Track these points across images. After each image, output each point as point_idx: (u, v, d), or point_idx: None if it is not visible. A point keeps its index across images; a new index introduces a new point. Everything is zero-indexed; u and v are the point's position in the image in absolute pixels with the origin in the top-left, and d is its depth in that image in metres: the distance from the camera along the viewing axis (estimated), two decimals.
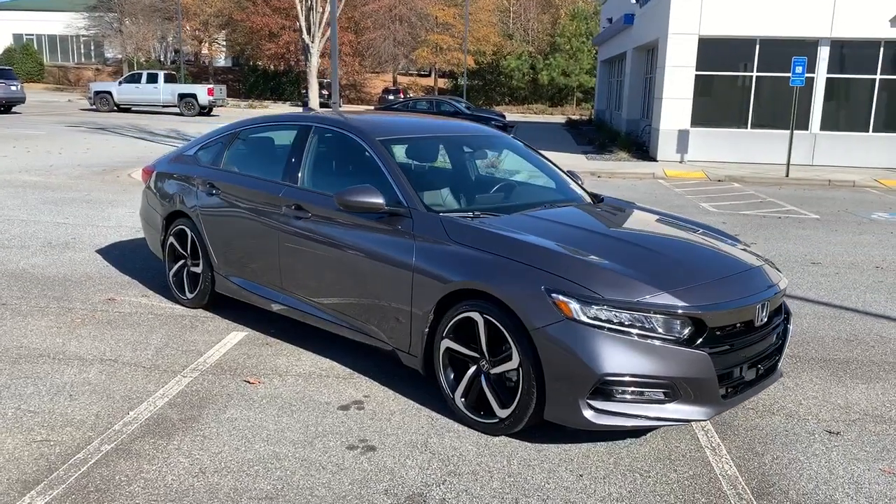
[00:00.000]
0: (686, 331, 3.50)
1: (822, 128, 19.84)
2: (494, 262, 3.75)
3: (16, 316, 5.55)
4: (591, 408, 3.47)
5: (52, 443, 3.65)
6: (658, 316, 3.46)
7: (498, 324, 3.68)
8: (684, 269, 3.78)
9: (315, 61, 16.66)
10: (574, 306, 3.46)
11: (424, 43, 54.05)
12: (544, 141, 24.98)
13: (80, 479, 3.33)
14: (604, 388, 3.44)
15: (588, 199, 5.02)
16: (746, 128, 20.11)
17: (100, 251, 7.73)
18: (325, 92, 49.68)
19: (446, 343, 3.97)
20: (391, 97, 48.57)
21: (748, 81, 20.01)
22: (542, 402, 3.60)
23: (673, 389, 3.47)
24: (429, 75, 65.85)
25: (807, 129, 19.72)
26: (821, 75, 19.48)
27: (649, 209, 5.09)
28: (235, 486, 3.30)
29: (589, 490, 3.35)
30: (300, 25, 16.18)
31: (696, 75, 19.82)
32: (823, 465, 3.66)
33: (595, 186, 12.12)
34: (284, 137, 5.38)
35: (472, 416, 3.90)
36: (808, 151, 19.54)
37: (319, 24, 16.11)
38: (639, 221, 4.72)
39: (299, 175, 4.92)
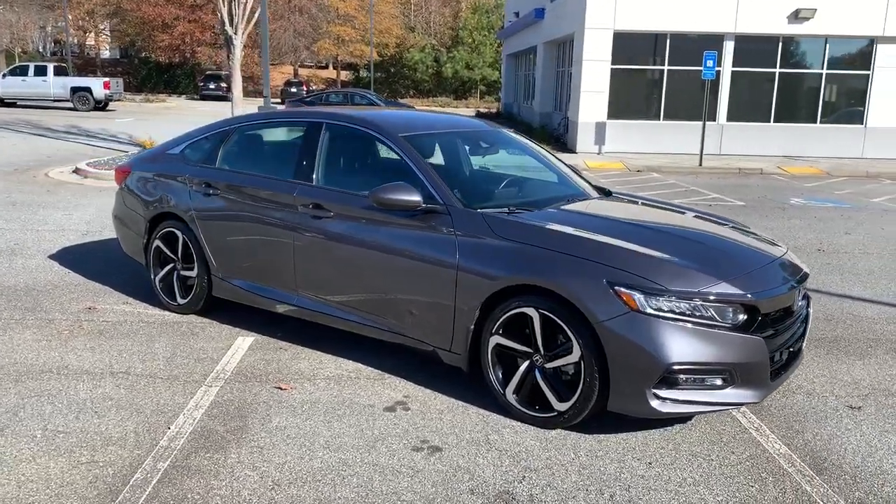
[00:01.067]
0: (741, 317, 3.65)
1: (729, 119, 20.90)
2: (552, 257, 3.78)
3: None
4: (657, 397, 3.57)
5: (100, 464, 3.43)
6: (717, 304, 3.59)
7: (557, 318, 3.72)
8: (730, 259, 3.94)
9: (239, 53, 16.14)
10: (638, 298, 3.55)
11: (326, 34, 53.25)
12: None
13: (150, 500, 3.15)
14: (669, 377, 3.55)
15: (595, 193, 5.12)
16: (659, 119, 20.93)
17: (52, 257, 7.27)
18: (223, 84, 48.28)
19: (496, 339, 3.98)
20: (294, 90, 47.62)
21: (660, 75, 20.82)
22: (605, 393, 3.66)
23: (731, 375, 3.61)
24: (326, 67, 64.98)
25: (715, 120, 20.71)
26: (727, 69, 20.49)
27: (660, 201, 5.23)
28: (318, 497, 3.21)
29: (664, 477, 3.46)
30: (221, 17, 15.63)
31: (612, 69, 20.46)
32: (860, 438, 3.91)
33: None
34: (289, 134, 5.23)
35: (526, 411, 3.93)
36: (716, 141, 20.54)
37: (243, 14, 15.61)
38: (666, 214, 4.84)
39: (314, 174, 4.80)
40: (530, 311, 3.82)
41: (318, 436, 3.77)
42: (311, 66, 65.63)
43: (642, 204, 5.00)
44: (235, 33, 15.77)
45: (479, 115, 39.75)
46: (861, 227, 10.46)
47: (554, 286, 3.70)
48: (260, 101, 18.65)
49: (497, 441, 3.76)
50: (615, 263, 3.68)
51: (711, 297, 3.59)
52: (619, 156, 19.76)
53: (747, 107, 21.06)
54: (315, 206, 4.67)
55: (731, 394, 3.64)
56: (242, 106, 16.59)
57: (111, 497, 3.17)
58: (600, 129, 20.55)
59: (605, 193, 5.19)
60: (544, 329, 3.81)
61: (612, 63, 20.41)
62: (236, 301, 5.31)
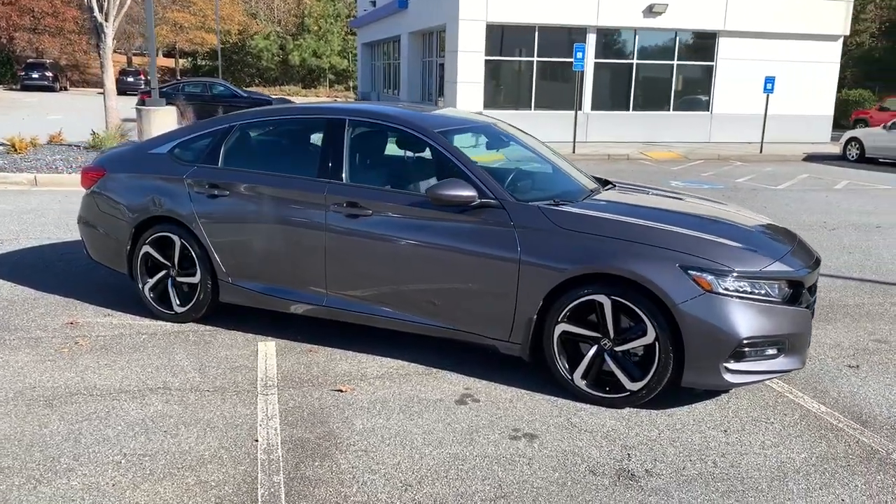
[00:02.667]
0: (789, 293, 4.06)
1: (593, 108, 22.11)
2: (625, 246, 4.01)
3: None
4: (728, 370, 3.91)
5: (213, 484, 3.29)
6: (773, 282, 3.98)
7: (630, 304, 3.96)
8: (773, 241, 4.36)
9: (110, 43, 15.02)
10: (711, 280, 3.86)
11: (163, 21, 50.38)
12: None
13: None
14: (738, 351, 3.89)
15: (598, 184, 5.38)
16: (531, 109, 21.77)
17: None
18: (49, 74, 44.47)
19: (562, 327, 4.16)
20: (131, 79, 44.85)
21: (531, 66, 21.64)
22: (678, 370, 3.95)
23: (784, 345, 4.02)
24: (167, 55, 61.55)
25: (581, 109, 21.84)
26: (590, 61, 21.64)
27: (666, 189, 5.56)
28: (457, 493, 3.26)
29: (744, 442, 3.80)
30: (89, 2, 14.49)
31: (486, 60, 21.02)
32: (876, 392, 4.47)
33: None
34: (303, 132, 5.11)
35: (597, 393, 4.15)
36: (583, 129, 21.66)
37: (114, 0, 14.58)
38: (690, 201, 5.14)
39: (343, 172, 4.73)
40: (601, 298, 4.03)
41: (411, 434, 3.79)
42: (144, 55, 61.82)
43: (657, 193, 5.32)
44: (106, 20, 14.70)
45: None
46: (747, 206, 11.54)
47: (630, 274, 3.93)
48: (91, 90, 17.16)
49: (580, 424, 3.95)
50: (685, 249, 3.97)
51: (770, 276, 3.97)
52: None
53: (609, 96, 22.38)
54: (350, 205, 4.62)
55: (782, 362, 4.05)
56: (115, 99, 15.52)
57: None
58: None
59: (604, 183, 5.47)
60: (615, 314, 4.03)
61: (486, 54, 20.96)
62: (247, 305, 5.13)
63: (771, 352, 4.01)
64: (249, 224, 4.93)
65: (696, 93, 23.01)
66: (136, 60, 57.22)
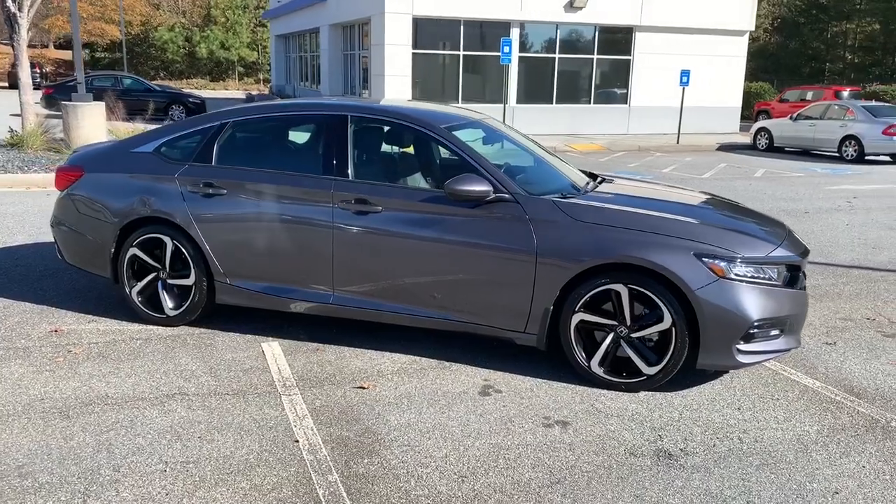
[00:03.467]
0: (788, 276, 4.33)
1: (518, 101, 22.48)
2: (641, 237, 4.17)
3: None
4: (740, 351, 4.15)
5: (269, 488, 3.26)
6: (776, 266, 4.24)
7: (647, 291, 4.14)
8: (770, 228, 4.62)
9: (25, 35, 14.21)
10: (724, 266, 4.08)
11: (59, 10, 47.86)
12: None
13: None
14: (749, 333, 4.13)
15: (586, 178, 5.53)
16: (458, 102, 21.93)
17: None
18: None
19: (579, 316, 4.30)
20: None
21: (457, 59, 21.79)
22: (692, 353, 4.16)
23: (785, 325, 4.29)
24: (47, 46, 58.36)
25: (506, 102, 22.16)
26: (514, 54, 21.96)
27: (654, 181, 5.79)
28: (514, 482, 3.35)
29: (760, 419, 4.04)
30: None
31: (413, 53, 21.04)
32: (857, 367, 4.82)
33: None
34: (301, 128, 5.05)
35: (614, 378, 4.31)
36: (509, 122, 22.00)
37: None
38: (683, 192, 5.34)
39: (348, 168, 4.71)
40: (618, 287, 4.19)
41: (447, 427, 3.85)
42: (35, 46, 58.51)
43: (651, 184, 5.52)
44: (20, 10, 13.93)
45: (249, 98, 38.41)
46: None
47: (649, 263, 4.10)
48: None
49: (604, 409, 4.10)
50: (697, 238, 4.17)
51: (773, 261, 4.22)
52: None
53: (532, 89, 22.82)
54: (359, 202, 4.61)
55: (784, 341, 4.32)
56: (31, 94, 14.70)
57: None
58: None
59: (592, 176, 5.63)
60: (631, 302, 4.20)
61: (413, 48, 20.98)
62: (245, 306, 5.05)
63: (774, 332, 4.26)
64: (249, 223, 4.85)
65: (614, 86, 23.73)
66: (30, 52, 54.10)
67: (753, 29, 24.83)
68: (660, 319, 4.16)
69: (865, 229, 9.47)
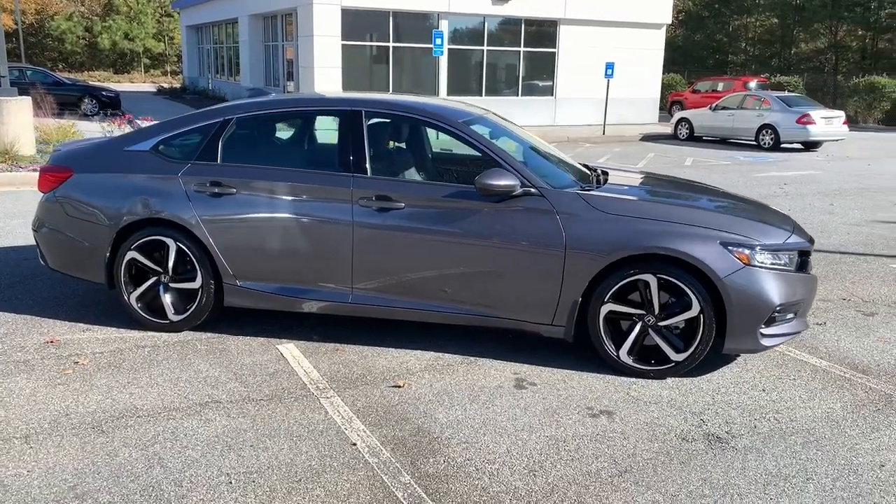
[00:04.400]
0: (799, 262, 4.54)
1: (448, 93, 22.53)
2: (670, 228, 4.28)
3: None
4: (763, 335, 4.33)
5: (342, 493, 3.20)
6: (791, 252, 4.44)
7: (676, 280, 4.26)
8: (777, 217, 4.82)
9: None
10: (748, 254, 4.25)
11: None
12: (165, 113, 23.17)
13: None
14: (772, 317, 4.32)
15: (591, 172, 5.60)
16: (389, 94, 21.76)
17: None
18: None
19: (608, 307, 4.39)
20: None
21: (387, 51, 21.65)
22: (721, 338, 4.32)
23: (798, 308, 4.50)
24: None
25: (437, 94, 22.20)
26: (444, 46, 21.99)
27: (655, 173, 5.91)
28: (585, 472, 3.40)
29: (786, 399, 4.24)
30: None
31: (343, 45, 20.77)
32: (852, 345, 5.10)
33: None
34: (316, 124, 4.93)
35: (642, 367, 4.42)
36: None
37: None
38: (690, 184, 5.49)
39: (366, 165, 4.64)
40: (647, 277, 4.30)
41: (497, 421, 3.86)
42: None
43: (659, 176, 5.64)
44: None
45: (162, 90, 37.06)
46: None
47: (679, 253, 4.22)
48: None
49: (640, 396, 4.21)
50: (722, 227, 4.32)
51: (789, 247, 4.42)
52: None
53: (462, 82, 22.92)
54: (380, 198, 4.55)
55: (797, 324, 4.54)
56: None
57: None
58: None
59: (589, 168, 5.72)
60: (659, 291, 4.31)
61: (343, 39, 20.71)
62: (256, 308, 4.91)
63: (790, 316, 4.47)
64: (261, 223, 4.70)
65: (541, 78, 24.12)
66: None
67: (670, 22, 25.69)
68: (688, 307, 4.29)
69: (807, 214, 9.99)
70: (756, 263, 4.26)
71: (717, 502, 3.18)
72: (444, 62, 22.05)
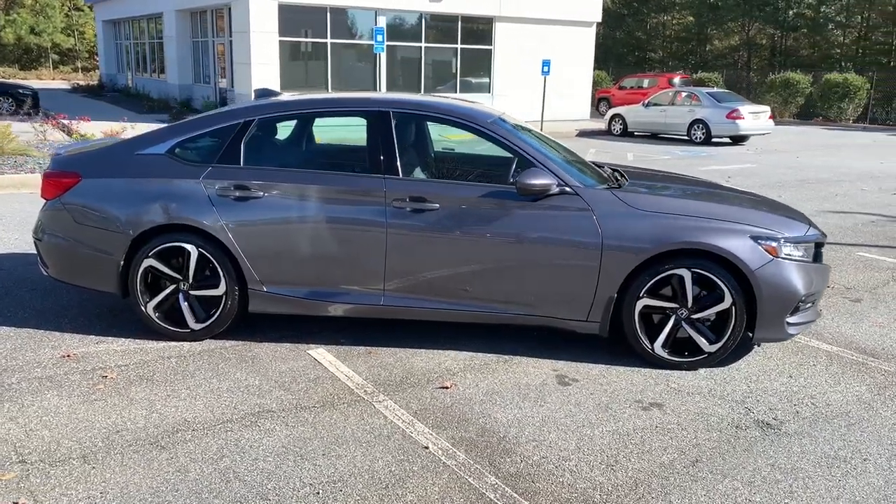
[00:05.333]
0: (815, 253, 4.77)
1: (391, 89, 22.43)
2: (703, 224, 4.42)
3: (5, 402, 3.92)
4: (789, 324, 4.53)
5: (434, 497, 3.19)
6: (809, 244, 4.66)
7: (709, 274, 4.41)
8: (790, 211, 5.03)
9: None
10: (776, 246, 4.44)
11: None
12: (90, 112, 22.15)
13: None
14: (797, 306, 4.53)
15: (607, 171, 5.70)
16: (327, 91, 21.53)
17: None
18: None
19: (643, 302, 4.51)
20: None
21: (325, 48, 21.37)
22: (750, 329, 4.49)
23: (816, 298, 4.73)
24: None
25: (377, 90, 22.08)
26: (386, 43, 21.87)
27: (660, 170, 6.06)
28: (659, 464, 3.49)
29: (814, 385, 4.45)
30: None
31: (281, 41, 20.39)
32: (853, 329, 5.39)
33: None
34: (341, 125, 4.86)
35: (677, 359, 4.56)
36: None
37: None
38: (703, 181, 5.64)
39: (398, 166, 4.61)
40: (681, 272, 4.44)
41: (555, 418, 3.92)
42: None
43: (666, 173, 5.79)
44: None
45: (79, 88, 35.51)
46: None
47: (714, 248, 4.36)
48: None
49: (682, 388, 4.34)
50: (750, 221, 4.50)
51: (808, 239, 4.64)
52: None
53: (401, 78, 22.87)
54: (415, 199, 4.53)
55: (813, 312, 4.77)
56: None
57: None
58: None
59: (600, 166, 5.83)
60: (693, 285, 4.46)
61: (280, 35, 20.33)
62: (283, 313, 4.81)
63: (809, 305, 4.69)
64: (290, 227, 4.61)
65: (478, 75, 24.29)
66: None
67: (600, 20, 26.30)
68: (720, 300, 4.44)
69: None
70: (783, 256, 4.45)
71: (792, 486, 3.32)
72: (382, 59, 21.92)
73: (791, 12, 37.85)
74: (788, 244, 4.50)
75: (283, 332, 4.99)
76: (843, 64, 35.53)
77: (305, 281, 4.69)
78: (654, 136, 21.90)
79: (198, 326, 4.78)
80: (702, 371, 4.57)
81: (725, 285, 4.40)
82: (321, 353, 4.68)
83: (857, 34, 38.06)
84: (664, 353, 4.56)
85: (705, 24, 42.56)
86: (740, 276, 4.41)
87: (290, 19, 20.54)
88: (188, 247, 4.66)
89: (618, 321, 4.59)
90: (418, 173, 4.73)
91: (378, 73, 21.41)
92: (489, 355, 4.74)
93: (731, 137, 20.63)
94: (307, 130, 4.99)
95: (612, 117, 22.93)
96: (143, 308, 4.76)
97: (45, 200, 4.94)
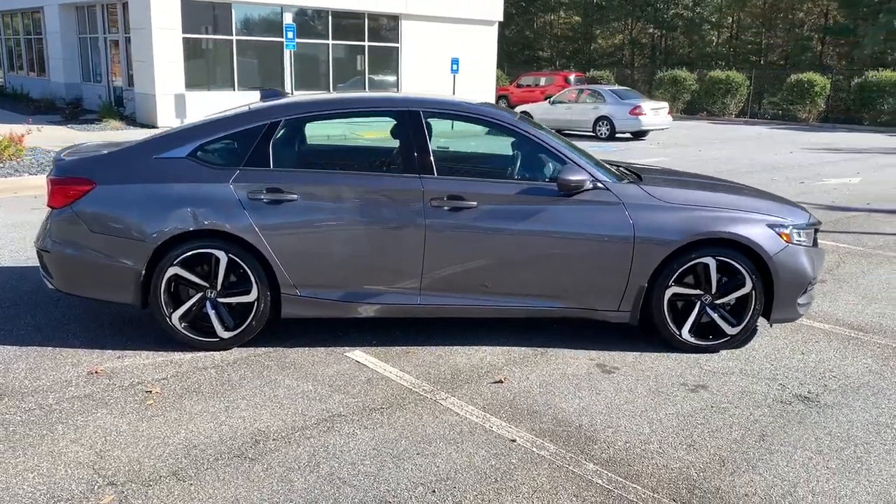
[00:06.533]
0: (814, 238, 5.17)
1: (297, 87, 22.02)
2: (726, 214, 4.70)
3: (62, 422, 3.68)
4: (799, 304, 4.90)
5: (545, 487, 3.28)
6: (811, 230, 5.04)
7: (732, 261, 4.71)
8: (787, 200, 5.41)
9: None
10: (789, 233, 4.79)
11: None
12: None
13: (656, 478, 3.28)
14: (806, 288, 4.90)
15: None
16: (234, 90, 20.91)
17: None
18: None
19: (672, 290, 4.75)
20: None
21: (230, 45, 20.73)
22: (767, 311, 4.83)
23: (817, 279, 5.13)
24: None
25: (284, 89, 21.64)
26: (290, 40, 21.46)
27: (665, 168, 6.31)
28: (731, 440, 3.72)
29: (826, 360, 4.83)
30: None
31: (184, 38, 19.63)
32: (834, 307, 5.85)
33: None
34: (370, 125, 4.82)
35: (701, 342, 4.83)
36: None
37: None
38: (701, 175, 5.93)
39: (433, 165, 4.64)
40: (707, 260, 4.71)
41: (618, 405, 4.08)
42: None
43: (669, 168, 6.05)
44: None
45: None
46: None
47: (737, 236, 4.65)
48: None
49: (715, 370, 4.61)
50: (764, 211, 4.82)
51: (811, 226, 5.02)
52: None
53: (309, 76, 22.51)
54: (452, 198, 4.57)
55: (813, 293, 5.16)
56: None
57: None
58: (180, 100, 19.65)
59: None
60: (717, 272, 4.74)
61: (184, 32, 19.57)
62: (316, 316, 4.74)
63: (812, 286, 5.08)
64: (326, 229, 4.55)
65: (386, 73, 24.24)
66: None
67: (502, 19, 26.83)
68: (741, 285, 4.74)
69: None
70: (795, 242, 4.80)
71: (855, 451, 3.62)
72: (288, 56, 21.50)
73: (670, 12, 39.91)
74: (797, 230, 4.85)
75: (311, 337, 4.91)
76: (716, 62, 37.83)
77: (340, 283, 4.64)
78: (560, 133, 22.55)
79: (227, 335, 4.63)
80: (724, 353, 4.86)
81: (746, 271, 4.70)
82: (360, 356, 4.65)
83: (729, 34, 40.60)
84: (690, 338, 4.81)
85: (591, 23, 44.19)
86: (759, 262, 4.72)
87: (194, 15, 19.81)
88: (217, 253, 4.51)
89: (647, 309, 4.80)
90: (452, 172, 4.77)
91: (286, 71, 21.00)
92: (524, 349, 4.85)
93: (632, 133, 21.57)
94: (339, 130, 4.92)
95: (520, 115, 23.41)
96: (167, 319, 4.56)
97: (51, 209, 4.63)
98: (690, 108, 31.65)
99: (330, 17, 22.37)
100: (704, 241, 4.69)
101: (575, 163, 4.69)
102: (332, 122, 4.83)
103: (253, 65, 21.31)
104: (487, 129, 4.97)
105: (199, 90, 19.99)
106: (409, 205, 4.55)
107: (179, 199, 4.48)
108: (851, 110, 28.45)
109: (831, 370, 4.63)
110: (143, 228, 4.47)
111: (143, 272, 4.51)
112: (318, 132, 5.18)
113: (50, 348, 4.64)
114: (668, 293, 4.74)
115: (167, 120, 19.48)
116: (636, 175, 5.21)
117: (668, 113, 21.95)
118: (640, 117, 20.78)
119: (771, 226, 4.74)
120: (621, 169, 5.39)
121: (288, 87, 21.48)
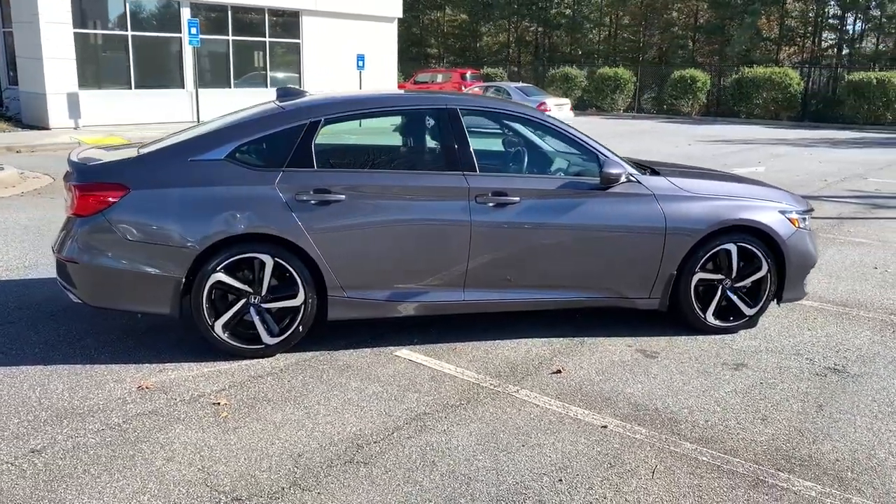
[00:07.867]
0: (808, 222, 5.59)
1: (200, 85, 21.18)
2: (742, 203, 5.00)
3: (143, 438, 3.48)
4: (805, 284, 5.30)
5: (684, 471, 3.44)
6: (809, 215, 5.46)
7: (750, 247, 5.03)
8: (784, 189, 5.80)
9: None
10: (798, 218, 5.17)
11: None
12: None
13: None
14: (809, 269, 5.30)
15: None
16: (131, 88, 19.89)
17: None
18: None
19: (699, 276, 5.02)
20: None
21: (126, 41, 19.69)
22: (779, 292, 5.19)
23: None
24: None
25: (184, 87, 20.80)
26: (185, 36, 20.59)
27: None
28: (793, 412, 4.00)
29: (835, 336, 5.24)
30: None
31: (76, 33, 18.48)
32: (824, 289, 6.33)
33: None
34: (410, 123, 4.81)
35: (723, 324, 5.13)
36: (190, 107, 20.60)
37: None
38: (700, 167, 6.22)
39: (475, 162, 4.69)
40: (729, 246, 5.01)
41: (678, 387, 4.29)
42: None
43: (672, 163, 6.32)
44: None
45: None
46: None
47: (756, 223, 4.97)
48: None
49: (743, 349, 4.90)
50: (776, 199, 5.18)
51: (807, 211, 5.43)
52: (106, 129, 18.19)
53: (210, 73, 21.73)
54: (497, 194, 4.64)
55: (811, 274, 5.59)
56: None
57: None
58: (73, 100, 18.50)
59: None
60: (738, 257, 5.05)
61: (75, 27, 18.42)
62: (362, 317, 4.69)
63: (813, 267, 5.49)
64: (375, 229, 4.50)
65: (288, 69, 23.74)
66: None
67: (402, 15, 26.85)
68: (758, 269, 5.07)
69: None
70: (801, 227, 5.18)
71: None
72: (188, 53, 20.67)
73: (553, 11, 41.17)
74: (801, 216, 5.24)
75: (350, 339, 4.84)
76: (597, 60, 39.38)
77: (386, 282, 4.60)
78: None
79: (272, 341, 4.50)
80: (741, 333, 5.18)
81: (762, 255, 5.03)
82: (410, 354, 4.63)
83: (608, 32, 42.37)
84: (714, 321, 5.10)
85: (478, 20, 44.90)
86: (773, 247, 5.06)
87: (86, 9, 18.71)
88: (263, 256, 4.37)
89: (674, 296, 5.05)
90: (492, 169, 4.82)
91: (186, 68, 20.19)
92: (563, 340, 4.98)
93: None
94: (379, 129, 4.86)
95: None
96: (210, 328, 4.38)
97: (77, 217, 4.33)
98: (580, 105, 32.83)
99: (230, 13, 21.65)
100: (727, 229, 4.97)
101: (609, 158, 4.86)
102: (373, 120, 4.78)
103: (151, 62, 20.34)
104: (526, 127, 5.06)
105: (92, 89, 18.88)
106: (455, 202, 4.57)
107: (222, 202, 4.31)
108: (730, 104, 30.44)
109: (842, 343, 5.04)
110: (183, 234, 4.26)
111: (184, 280, 4.30)
112: (343, 129, 5.10)
113: (78, 365, 4.35)
114: (695, 279, 5.00)
115: (60, 120, 18.34)
116: (651, 168, 5.44)
117: (571, 109, 22.70)
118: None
119: (782, 212, 5.09)
120: (638, 162, 5.62)
121: (190, 86, 20.65)
